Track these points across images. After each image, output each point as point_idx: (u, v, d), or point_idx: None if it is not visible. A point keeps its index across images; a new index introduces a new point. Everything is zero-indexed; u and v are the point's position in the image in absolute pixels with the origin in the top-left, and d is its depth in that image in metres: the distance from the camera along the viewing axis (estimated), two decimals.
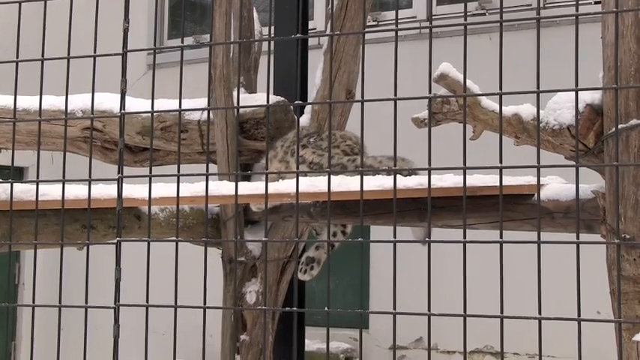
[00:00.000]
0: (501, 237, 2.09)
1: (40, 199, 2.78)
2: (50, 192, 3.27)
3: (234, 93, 4.26)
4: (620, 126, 2.42)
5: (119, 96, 2.52)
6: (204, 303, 2.38)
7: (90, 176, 2.53)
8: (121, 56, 2.50)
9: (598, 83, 2.64)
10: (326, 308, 2.23)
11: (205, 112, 4.23)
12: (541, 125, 2.77)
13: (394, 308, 2.17)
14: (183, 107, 2.53)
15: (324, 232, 3.89)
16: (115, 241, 2.49)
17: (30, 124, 4.27)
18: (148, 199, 2.54)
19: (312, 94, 4.55)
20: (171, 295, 2.31)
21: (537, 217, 2.79)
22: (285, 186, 3.23)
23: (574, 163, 2.12)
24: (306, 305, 5.09)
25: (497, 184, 2.18)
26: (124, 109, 2.50)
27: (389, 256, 2.22)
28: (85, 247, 2.63)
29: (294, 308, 4.34)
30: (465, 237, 2.11)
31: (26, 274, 9.29)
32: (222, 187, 3.34)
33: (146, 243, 2.44)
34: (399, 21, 2.38)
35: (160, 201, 3.40)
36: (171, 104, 4.03)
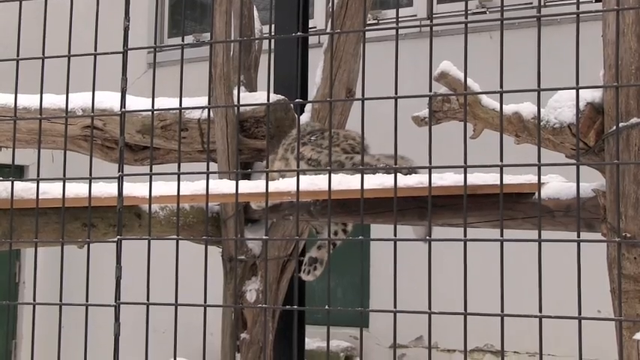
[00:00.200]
0: (502, 235, 2.09)
1: (40, 197, 2.78)
2: (51, 190, 3.27)
3: (235, 91, 4.26)
4: (620, 124, 2.41)
5: (119, 94, 2.52)
6: (205, 301, 2.38)
7: (90, 174, 2.53)
8: (121, 54, 2.50)
9: (599, 82, 2.63)
10: (326, 307, 2.24)
11: (205, 110, 4.23)
12: (542, 124, 2.77)
13: (395, 307, 2.16)
14: (183, 106, 2.53)
15: (324, 231, 3.89)
16: (115, 239, 2.49)
17: (30, 122, 4.28)
18: (148, 197, 2.54)
19: (312, 93, 4.55)
20: (172, 293, 2.31)
21: (538, 215, 2.79)
22: (285, 184, 3.23)
23: (575, 161, 2.12)
24: (307, 304, 5.10)
25: (498, 182, 2.18)
26: (124, 108, 2.50)
27: (389, 255, 2.22)
28: (86, 246, 2.63)
29: (295, 306, 4.35)
30: (465, 235, 2.11)
31: (27, 272, 9.30)
32: (223, 186, 3.34)
33: (146, 241, 2.44)
34: (399, 19, 2.38)
35: (160, 199, 3.40)
36: (172, 103, 4.04)
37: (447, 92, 2.95)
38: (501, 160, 2.10)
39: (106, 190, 3.34)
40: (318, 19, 8.44)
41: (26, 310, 8.98)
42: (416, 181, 3.06)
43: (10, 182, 2.79)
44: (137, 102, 3.98)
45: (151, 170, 2.49)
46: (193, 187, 3.27)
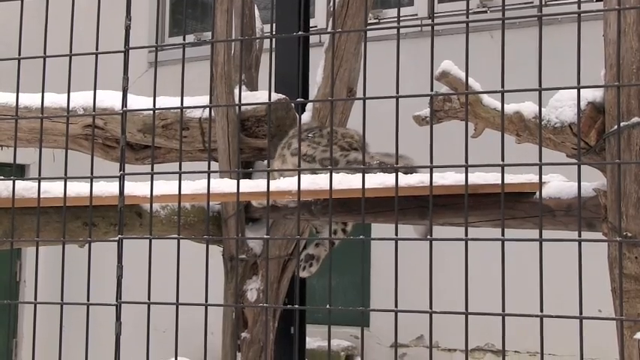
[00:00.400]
0: (503, 235, 2.09)
1: (41, 196, 2.78)
2: (52, 189, 3.27)
3: (236, 90, 4.26)
4: (621, 124, 2.41)
5: (120, 93, 2.52)
6: (206, 300, 2.38)
7: (92, 174, 2.53)
8: (122, 54, 2.50)
9: (600, 81, 2.63)
10: (328, 306, 2.23)
11: (206, 109, 4.23)
12: (543, 123, 2.77)
13: (395, 306, 2.16)
14: (184, 105, 2.53)
15: (324, 231, 3.89)
16: (116, 238, 2.49)
17: (31, 121, 4.28)
18: (149, 196, 2.54)
19: (313, 92, 4.55)
20: (173, 292, 2.31)
21: (539, 214, 2.79)
22: (286, 184, 3.23)
23: (576, 161, 2.12)
24: (307, 303, 5.10)
25: (499, 181, 2.18)
26: (125, 107, 2.50)
27: (390, 254, 2.22)
28: (87, 245, 2.63)
29: (296, 306, 4.35)
30: (466, 235, 2.11)
31: (27, 271, 9.30)
32: (224, 185, 3.34)
33: (147, 240, 2.44)
34: (400, 19, 2.38)
35: (161, 198, 3.40)
36: (173, 102, 4.03)
37: (448, 92, 2.95)
38: (502, 160, 2.10)
39: (107, 189, 3.34)
40: (319, 19, 8.44)
41: (27, 310, 8.99)
42: (417, 180, 3.06)
43: (11, 181, 2.79)
44: (138, 101, 3.97)
45: (152, 169, 2.48)
46: (194, 186, 3.27)
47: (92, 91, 2.67)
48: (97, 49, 2.52)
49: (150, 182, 2.53)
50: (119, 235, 2.48)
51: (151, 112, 2.61)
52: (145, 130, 4.39)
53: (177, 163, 2.49)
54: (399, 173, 2.61)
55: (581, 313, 1.98)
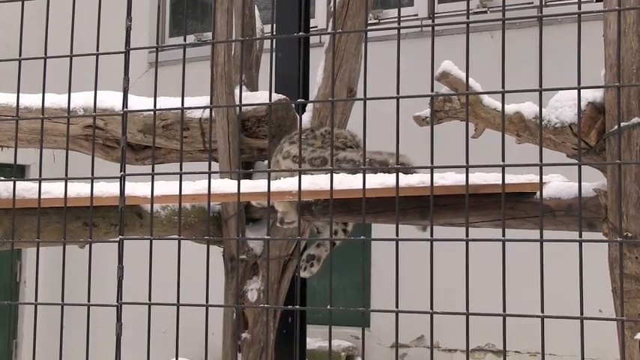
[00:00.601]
0: (504, 235, 2.09)
1: (42, 197, 2.78)
2: (52, 190, 3.27)
3: (236, 91, 4.27)
4: (622, 124, 2.41)
5: (121, 94, 2.52)
6: (207, 301, 2.38)
7: (92, 174, 2.53)
8: (123, 54, 2.50)
9: (600, 81, 2.63)
10: (328, 306, 2.23)
11: (207, 110, 4.23)
12: (543, 123, 2.77)
13: (396, 306, 2.16)
14: (184, 105, 2.53)
15: (325, 231, 3.89)
16: (117, 239, 2.49)
17: (32, 122, 4.28)
18: (150, 197, 2.54)
19: (313, 92, 4.55)
20: (173, 293, 2.31)
21: (539, 215, 2.79)
22: (286, 184, 3.23)
23: (576, 161, 2.12)
24: (308, 303, 5.10)
25: (499, 182, 2.18)
26: (126, 107, 2.50)
27: (390, 255, 2.22)
28: (87, 245, 2.63)
29: (296, 306, 4.35)
30: (467, 235, 2.11)
31: (27, 272, 9.30)
32: (224, 185, 3.34)
33: (148, 241, 2.44)
34: (400, 19, 2.38)
35: (161, 199, 3.39)
36: (173, 102, 4.03)
37: (448, 92, 2.95)
38: (503, 160, 2.10)
39: (107, 189, 3.34)
40: (319, 19, 8.44)
41: (27, 310, 8.99)
42: (417, 180, 3.06)
43: (11, 182, 2.79)
44: (138, 101, 3.97)
45: (152, 170, 2.49)
46: (195, 186, 3.27)
47: (92, 92, 2.67)
48: (97, 49, 2.52)
49: (150, 183, 2.53)
50: (120, 236, 2.48)
51: (152, 112, 2.61)
52: (145, 130, 4.39)
53: (178, 163, 2.49)
54: (400, 173, 2.61)
55: (581, 313, 1.99)
